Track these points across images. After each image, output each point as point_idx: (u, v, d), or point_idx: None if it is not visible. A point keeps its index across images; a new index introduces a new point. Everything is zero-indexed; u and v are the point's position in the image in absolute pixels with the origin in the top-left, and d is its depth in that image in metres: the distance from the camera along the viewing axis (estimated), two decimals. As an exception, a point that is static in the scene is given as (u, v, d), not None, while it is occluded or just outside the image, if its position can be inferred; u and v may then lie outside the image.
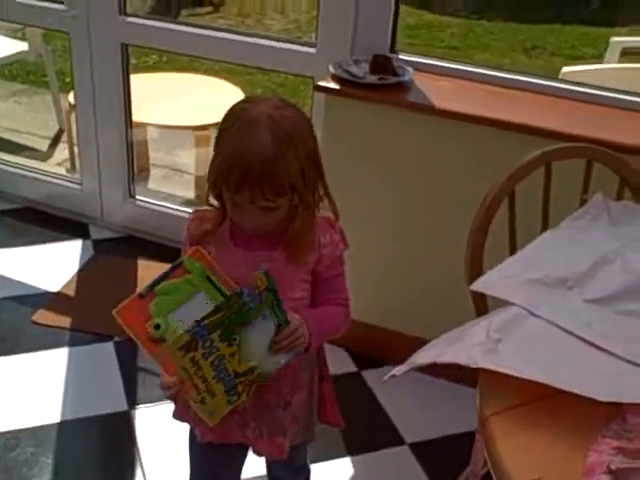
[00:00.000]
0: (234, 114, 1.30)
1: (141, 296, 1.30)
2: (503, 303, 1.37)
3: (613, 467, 1.01)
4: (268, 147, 1.24)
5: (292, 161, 1.26)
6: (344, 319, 1.48)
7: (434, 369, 2.25)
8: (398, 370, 1.27)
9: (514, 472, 1.02)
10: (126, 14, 2.84)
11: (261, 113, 1.27)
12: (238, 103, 1.34)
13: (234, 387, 1.34)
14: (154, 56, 5.33)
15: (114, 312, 1.29)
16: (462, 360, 1.21)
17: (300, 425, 1.49)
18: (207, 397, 1.33)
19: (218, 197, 1.35)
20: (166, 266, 1.33)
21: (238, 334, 1.30)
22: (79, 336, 2.55)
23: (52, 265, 2.91)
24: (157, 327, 1.28)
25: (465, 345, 1.26)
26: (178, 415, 1.52)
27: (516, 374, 1.17)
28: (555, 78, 2.54)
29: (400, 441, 2.21)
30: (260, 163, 1.23)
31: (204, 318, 1.29)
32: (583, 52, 5.94)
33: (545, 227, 1.69)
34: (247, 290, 1.30)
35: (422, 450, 2.18)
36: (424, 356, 1.28)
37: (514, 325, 1.29)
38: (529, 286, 1.37)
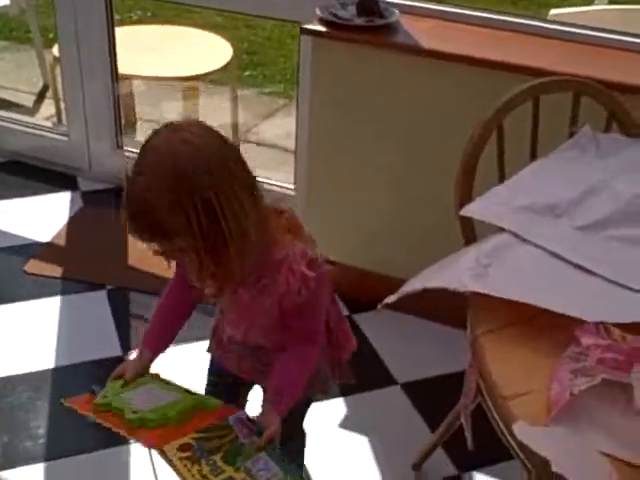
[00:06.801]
0: (145, 141, 1.24)
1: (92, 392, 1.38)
2: (491, 233, 1.39)
3: (576, 391, 1.03)
4: (137, 192, 1.19)
5: (171, 208, 1.17)
6: (314, 360, 1.42)
7: (428, 312, 2.29)
8: (390, 298, 1.29)
9: (503, 385, 1.05)
10: (108, -39, 2.80)
11: (157, 149, 1.20)
12: (158, 129, 1.24)
13: None
14: (138, 11, 5.26)
15: (63, 402, 1.37)
16: (452, 285, 1.23)
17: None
18: None
19: None
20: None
21: (242, 464, 1.27)
22: (71, 285, 2.56)
23: (42, 216, 2.91)
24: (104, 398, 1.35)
25: (455, 271, 1.28)
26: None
27: (504, 296, 1.19)
28: (542, 19, 2.52)
29: (392, 381, 2.24)
30: (133, 205, 1.21)
31: (200, 439, 1.28)
32: (571, 2, 5.88)
33: (534, 160, 1.69)
34: (232, 418, 1.34)
35: (414, 390, 2.21)
36: (414, 283, 1.29)
37: (503, 251, 1.31)
38: (518, 212, 1.39)
